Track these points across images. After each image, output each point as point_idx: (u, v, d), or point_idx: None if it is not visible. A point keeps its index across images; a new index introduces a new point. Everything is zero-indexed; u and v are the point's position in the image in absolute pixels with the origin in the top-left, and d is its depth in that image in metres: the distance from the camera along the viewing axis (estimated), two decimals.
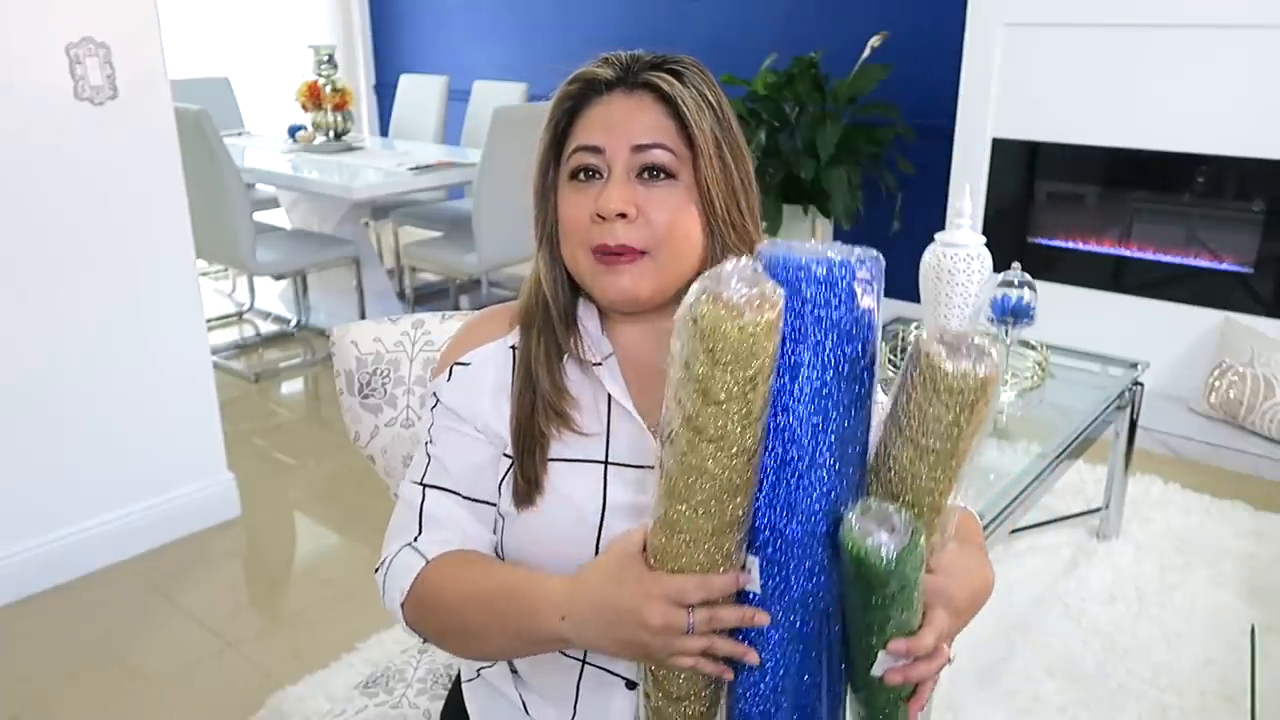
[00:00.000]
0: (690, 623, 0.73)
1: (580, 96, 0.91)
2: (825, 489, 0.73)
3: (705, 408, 0.67)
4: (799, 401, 0.71)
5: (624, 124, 0.87)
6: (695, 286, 0.67)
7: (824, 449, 0.72)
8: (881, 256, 0.73)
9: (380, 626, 2.14)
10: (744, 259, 0.68)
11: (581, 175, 0.89)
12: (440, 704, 1.17)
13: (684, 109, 0.87)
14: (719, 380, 0.66)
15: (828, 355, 0.70)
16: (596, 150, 0.88)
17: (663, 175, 0.87)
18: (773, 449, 0.72)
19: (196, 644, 2.15)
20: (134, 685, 2.02)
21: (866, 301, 0.70)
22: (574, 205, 0.89)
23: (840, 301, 0.70)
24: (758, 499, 0.74)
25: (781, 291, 0.67)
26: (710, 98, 0.89)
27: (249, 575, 2.49)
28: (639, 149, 0.87)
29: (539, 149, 0.93)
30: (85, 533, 2.38)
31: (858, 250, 0.71)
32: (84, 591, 2.34)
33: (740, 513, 0.73)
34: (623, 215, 0.85)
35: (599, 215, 0.86)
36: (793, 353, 0.70)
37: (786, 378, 0.71)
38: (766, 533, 0.74)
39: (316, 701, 1.90)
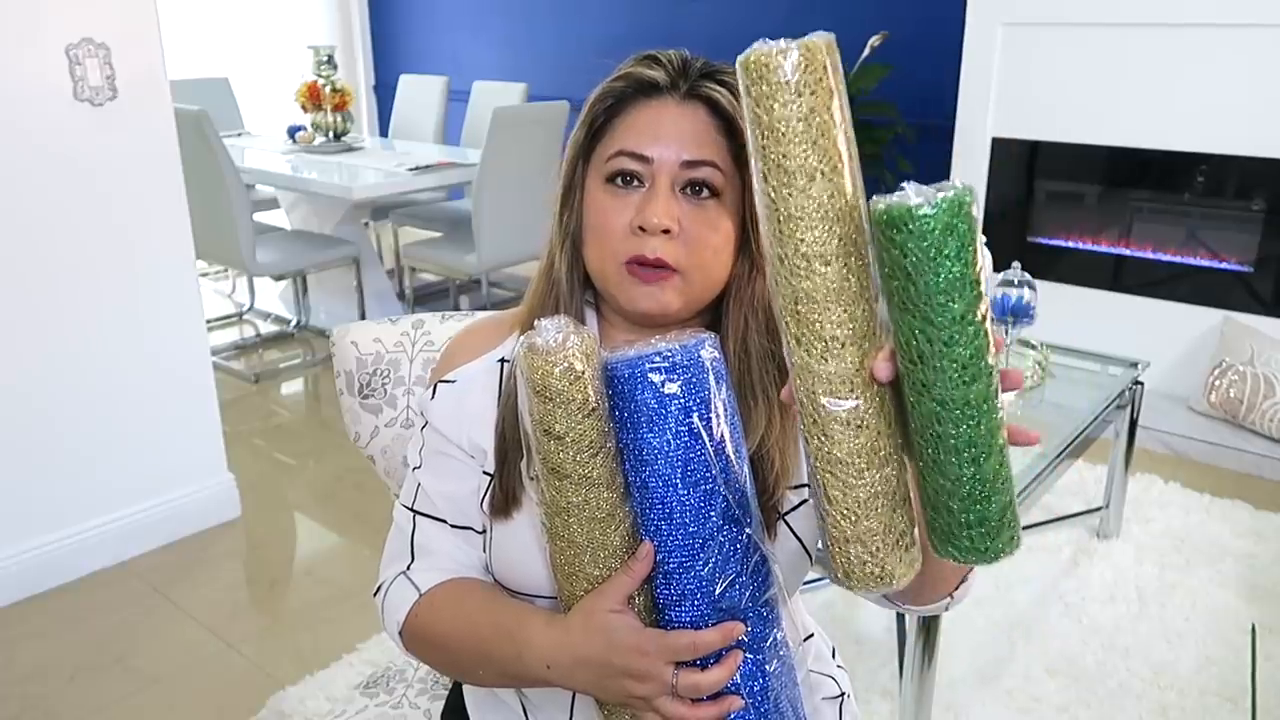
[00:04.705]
0: (673, 684, 0.76)
1: (624, 96, 0.87)
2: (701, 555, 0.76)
3: (550, 444, 0.76)
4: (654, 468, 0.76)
5: (675, 135, 0.84)
6: (521, 340, 0.77)
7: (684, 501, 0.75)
8: (713, 338, 0.77)
9: (381, 627, 2.13)
10: (559, 317, 0.77)
11: (620, 181, 0.85)
12: (440, 704, 1.17)
13: (743, 129, 0.85)
14: (554, 416, 0.75)
15: (672, 431, 0.75)
16: (643, 159, 0.84)
17: (707, 193, 0.85)
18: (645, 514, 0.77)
19: (197, 644, 2.15)
20: (134, 686, 2.02)
21: (671, 389, 0.74)
22: (611, 211, 0.85)
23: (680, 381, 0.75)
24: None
25: (586, 332, 0.77)
26: None
27: (249, 575, 2.49)
28: (689, 164, 0.84)
29: (571, 143, 0.89)
30: (86, 534, 2.38)
31: (689, 340, 0.76)
32: (84, 592, 2.34)
33: (618, 540, 0.79)
34: (666, 231, 0.83)
35: (641, 228, 0.83)
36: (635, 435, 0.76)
37: (635, 457, 0.76)
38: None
39: (317, 702, 1.90)
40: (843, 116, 0.67)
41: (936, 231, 0.61)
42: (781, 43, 0.66)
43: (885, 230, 0.63)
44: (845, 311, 0.67)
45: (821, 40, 0.66)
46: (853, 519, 0.69)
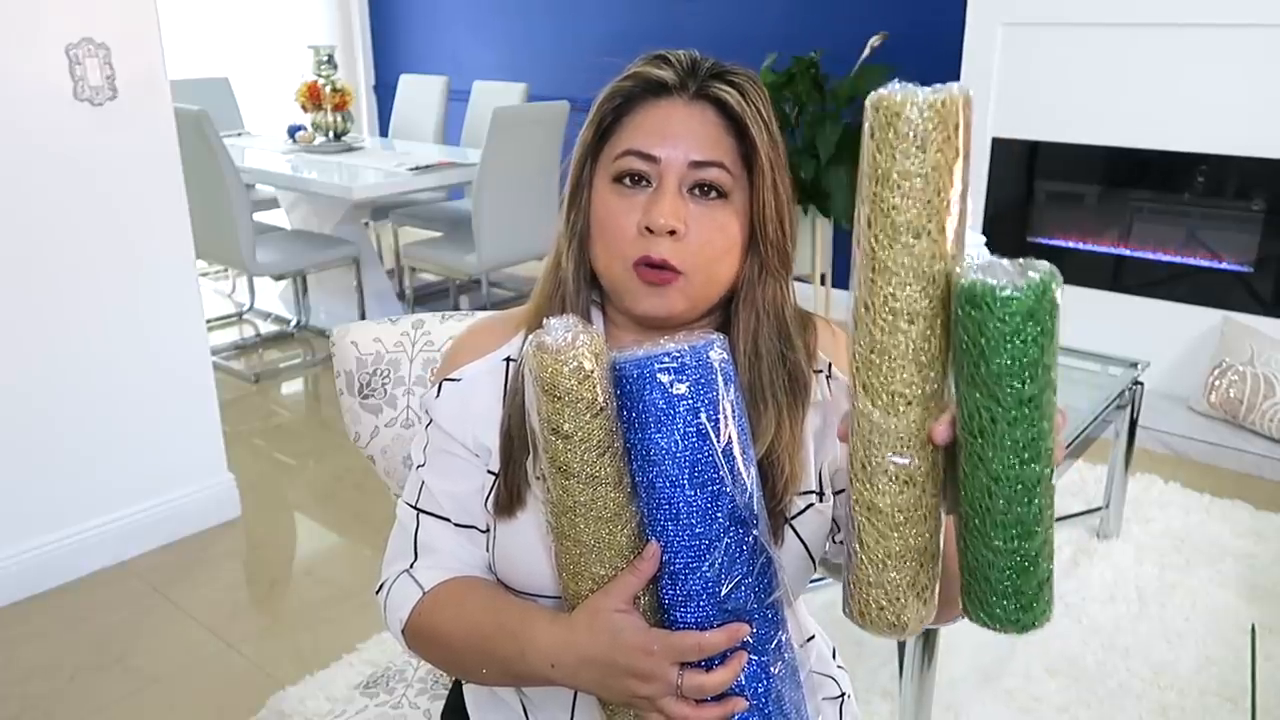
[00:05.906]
0: (678, 684, 0.76)
1: (632, 95, 0.86)
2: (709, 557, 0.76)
3: (558, 443, 0.76)
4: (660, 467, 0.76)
5: (684, 135, 0.84)
6: (530, 338, 0.76)
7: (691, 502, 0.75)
8: (722, 339, 0.76)
9: (381, 627, 2.14)
10: (568, 316, 0.77)
11: (627, 181, 0.85)
12: (440, 704, 1.17)
13: (751, 131, 0.84)
14: (562, 415, 0.75)
15: (680, 431, 0.75)
16: (651, 159, 0.84)
17: (715, 194, 0.84)
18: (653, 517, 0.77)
19: (196, 644, 2.15)
20: (134, 686, 2.02)
21: (680, 389, 0.75)
22: (618, 211, 0.85)
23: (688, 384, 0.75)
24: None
25: (595, 331, 0.76)
26: (765, 115, 0.85)
27: (249, 575, 2.49)
28: (697, 165, 0.83)
29: (579, 143, 0.89)
30: (86, 534, 2.38)
31: (697, 339, 0.76)
32: (85, 592, 2.34)
33: (624, 540, 0.78)
34: (672, 232, 0.83)
35: (648, 228, 0.83)
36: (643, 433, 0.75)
37: (642, 457, 0.76)
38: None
39: (317, 702, 1.90)
40: (964, 178, 0.66)
41: (1018, 316, 0.61)
42: (918, 90, 0.64)
43: (966, 306, 0.62)
44: (919, 372, 0.67)
45: (960, 95, 0.65)
46: (880, 567, 0.71)
